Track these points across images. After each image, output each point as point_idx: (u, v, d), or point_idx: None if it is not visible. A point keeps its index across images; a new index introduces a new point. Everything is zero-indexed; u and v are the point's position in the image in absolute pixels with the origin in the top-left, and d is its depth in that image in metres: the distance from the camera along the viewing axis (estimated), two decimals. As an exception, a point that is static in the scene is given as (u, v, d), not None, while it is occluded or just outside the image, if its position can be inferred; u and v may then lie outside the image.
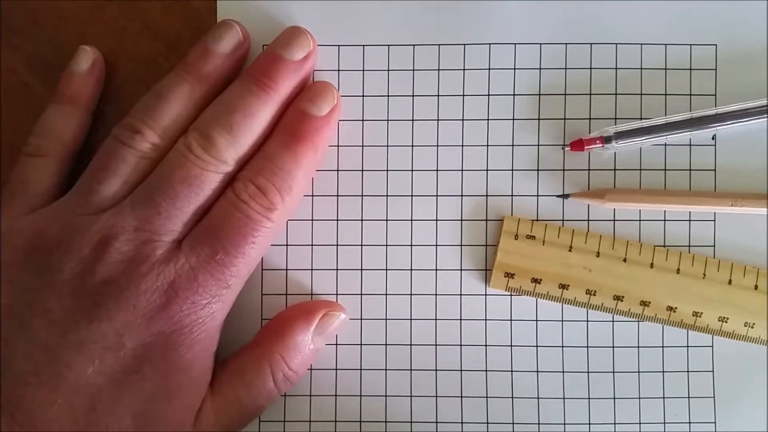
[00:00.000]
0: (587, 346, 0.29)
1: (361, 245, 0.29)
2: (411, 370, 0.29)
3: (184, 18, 0.29)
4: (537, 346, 0.29)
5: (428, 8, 0.29)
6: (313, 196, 0.29)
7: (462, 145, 0.29)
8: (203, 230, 0.25)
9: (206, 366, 0.26)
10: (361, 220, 0.29)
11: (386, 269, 0.29)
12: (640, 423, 0.28)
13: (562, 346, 0.29)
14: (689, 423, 0.28)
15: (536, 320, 0.29)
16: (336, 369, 0.29)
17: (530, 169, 0.29)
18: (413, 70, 0.29)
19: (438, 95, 0.29)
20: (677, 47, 0.29)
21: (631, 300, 0.28)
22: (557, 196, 0.29)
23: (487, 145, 0.29)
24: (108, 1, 0.29)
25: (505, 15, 0.29)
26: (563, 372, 0.29)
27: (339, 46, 0.29)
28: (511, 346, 0.29)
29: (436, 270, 0.29)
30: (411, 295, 0.29)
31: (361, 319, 0.29)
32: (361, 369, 0.29)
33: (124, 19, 0.29)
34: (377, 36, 0.29)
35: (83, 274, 0.24)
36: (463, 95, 0.29)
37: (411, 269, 0.29)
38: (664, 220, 0.29)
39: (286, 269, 0.29)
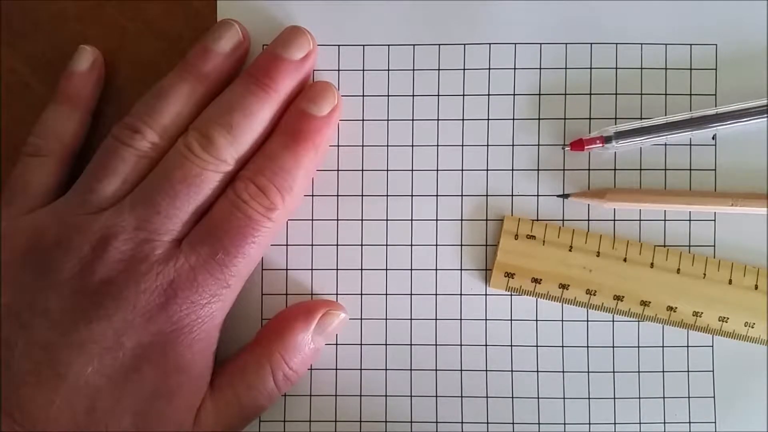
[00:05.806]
0: (587, 346, 0.29)
1: (361, 245, 0.29)
2: (411, 370, 0.29)
3: (184, 18, 0.29)
4: (537, 346, 0.29)
5: (428, 8, 0.29)
6: (313, 196, 0.29)
7: (462, 145, 0.29)
8: (203, 230, 0.25)
9: (206, 366, 0.26)
10: (361, 220, 0.29)
11: (386, 269, 0.29)
12: (640, 423, 0.28)
13: (562, 346, 0.29)
14: (689, 423, 0.28)
15: (536, 320, 0.29)
16: (336, 369, 0.29)
17: (530, 169, 0.29)
18: (413, 70, 0.29)
19: (438, 95, 0.29)
20: (677, 47, 0.29)
21: (631, 300, 0.28)
22: (557, 196, 0.29)
23: (487, 145, 0.29)
24: (108, 1, 0.29)
25: (505, 15, 0.29)
26: (563, 372, 0.29)
27: (339, 46, 0.29)
28: (511, 346, 0.29)
29: (436, 270, 0.29)
30: (411, 295, 0.29)
31: (361, 319, 0.29)
32: (361, 369, 0.29)
33: (124, 19, 0.29)
34: (377, 36, 0.29)
35: (83, 273, 0.24)
36: (463, 95, 0.29)
37: (411, 269, 0.29)
38: (664, 220, 0.29)
39: (286, 269, 0.29)
